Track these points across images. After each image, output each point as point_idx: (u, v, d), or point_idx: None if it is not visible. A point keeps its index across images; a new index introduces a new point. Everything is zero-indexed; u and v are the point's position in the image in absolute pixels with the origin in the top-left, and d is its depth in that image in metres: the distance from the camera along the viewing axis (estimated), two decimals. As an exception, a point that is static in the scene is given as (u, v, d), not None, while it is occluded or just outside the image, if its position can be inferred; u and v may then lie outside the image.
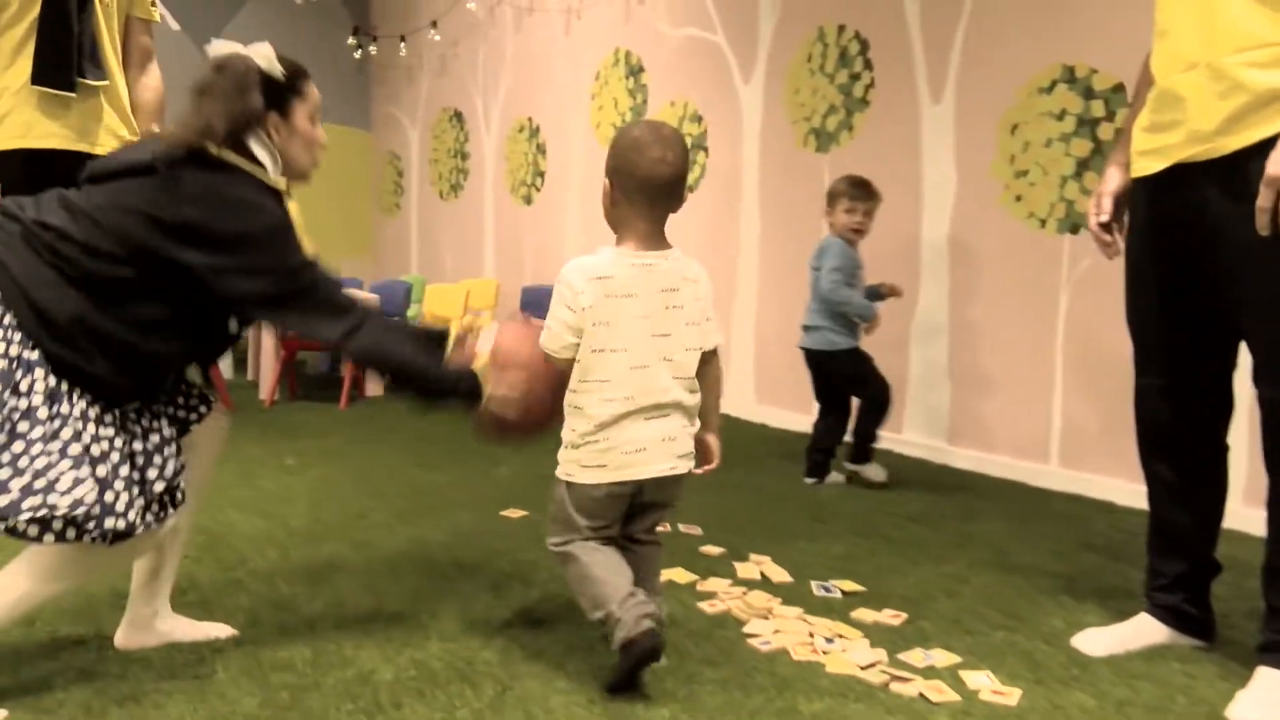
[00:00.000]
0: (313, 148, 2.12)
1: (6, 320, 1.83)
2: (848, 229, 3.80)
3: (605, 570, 1.98)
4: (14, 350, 1.82)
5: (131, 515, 1.85)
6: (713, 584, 2.64)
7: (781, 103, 5.19)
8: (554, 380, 2.06)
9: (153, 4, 3.47)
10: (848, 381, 3.91)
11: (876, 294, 3.91)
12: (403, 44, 8.82)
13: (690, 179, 5.81)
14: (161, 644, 2.18)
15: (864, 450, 3.91)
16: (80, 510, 1.76)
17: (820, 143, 4.97)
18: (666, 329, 2.02)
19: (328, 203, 9.60)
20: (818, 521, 3.34)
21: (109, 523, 1.82)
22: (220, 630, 2.25)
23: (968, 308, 4.24)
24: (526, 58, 7.39)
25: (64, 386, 1.85)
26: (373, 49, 9.39)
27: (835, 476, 3.93)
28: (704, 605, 2.48)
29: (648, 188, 2.01)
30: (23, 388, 1.81)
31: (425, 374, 2.06)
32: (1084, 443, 3.87)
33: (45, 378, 1.83)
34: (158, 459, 1.96)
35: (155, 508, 1.94)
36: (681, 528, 3.20)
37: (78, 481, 1.77)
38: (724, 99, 5.55)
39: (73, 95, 3.10)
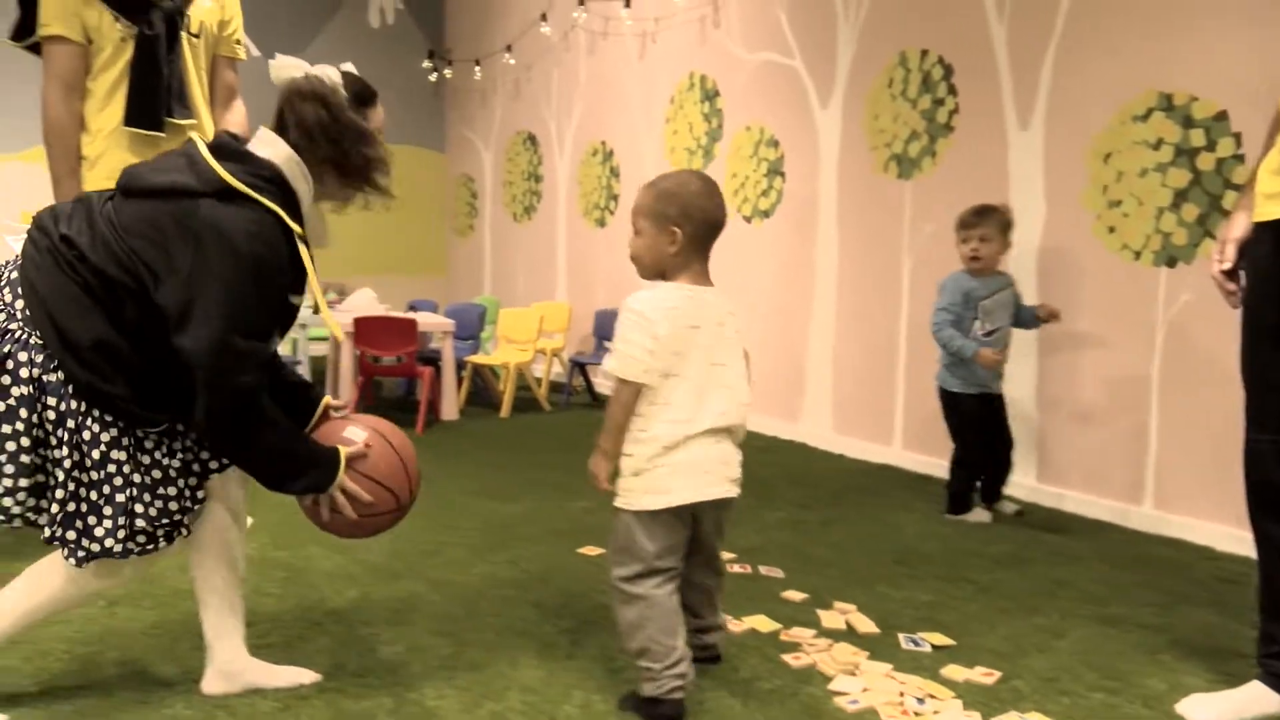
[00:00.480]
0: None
1: (32, 341, 1.87)
2: (965, 260, 3.81)
3: (663, 630, 2.08)
4: (36, 373, 1.86)
5: (109, 543, 1.90)
6: (796, 634, 2.57)
7: (861, 128, 5.11)
8: (391, 505, 2.11)
9: (238, 42, 3.54)
10: (949, 422, 3.94)
11: (1033, 317, 3.86)
12: (477, 67, 8.90)
13: (766, 204, 5.75)
14: (245, 690, 2.18)
15: (988, 492, 3.96)
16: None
17: (902, 169, 4.87)
18: (723, 359, 2.16)
19: (402, 223, 9.72)
20: (902, 565, 3.25)
21: (86, 544, 1.90)
22: (303, 676, 2.24)
23: (1058, 341, 4.11)
24: (600, 81, 7.40)
25: (82, 408, 1.88)
26: (448, 72, 9.49)
27: (979, 514, 3.87)
28: (788, 658, 2.41)
29: (711, 231, 2.18)
30: (44, 411, 1.87)
31: (287, 451, 1.97)
32: (1181, 484, 3.72)
33: (64, 400, 1.86)
34: (147, 496, 1.95)
35: (141, 539, 1.95)
36: (762, 570, 3.13)
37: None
38: (801, 124, 5.48)
39: (162, 135, 3.17)
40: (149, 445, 1.97)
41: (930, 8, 4.70)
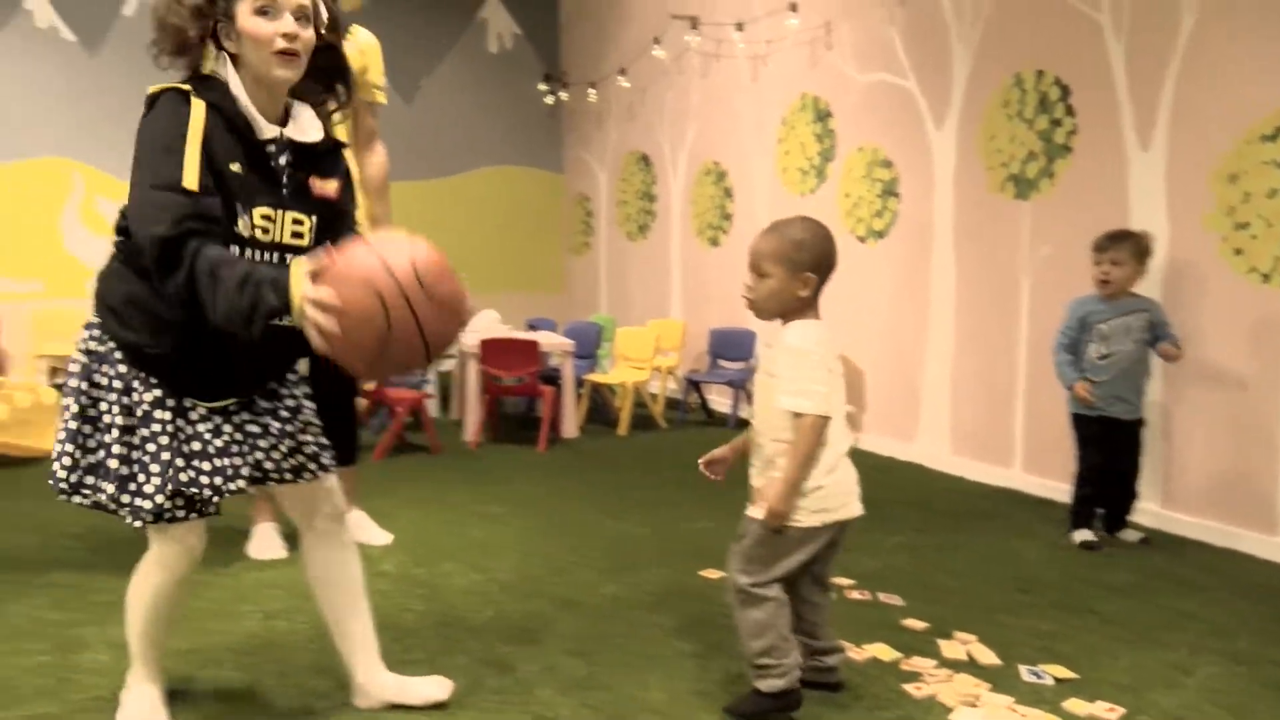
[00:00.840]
0: (261, 47, 1.96)
1: (93, 319, 2.10)
2: (1095, 282, 3.83)
3: (785, 625, 2.31)
4: (93, 345, 2.09)
5: (159, 499, 2.03)
6: (917, 663, 2.63)
7: (976, 148, 5.09)
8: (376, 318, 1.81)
9: (379, 88, 3.77)
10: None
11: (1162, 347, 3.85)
12: (592, 90, 9.11)
13: (880, 224, 5.77)
14: (389, 705, 2.35)
15: (1111, 519, 3.97)
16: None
17: (1019, 189, 4.85)
18: (840, 389, 2.37)
19: (521, 242, 10.01)
20: (1023, 593, 3.26)
21: (139, 504, 2.04)
22: (441, 690, 2.38)
23: (1184, 365, 4.04)
24: (713, 103, 7.51)
25: (129, 372, 2.05)
26: (563, 95, 9.74)
27: (1082, 534, 3.86)
28: (909, 688, 2.47)
29: (831, 274, 2.35)
30: (98, 379, 2.07)
31: (239, 280, 1.83)
32: (1315, 511, 3.62)
33: (114, 365, 2.06)
34: (180, 461, 2.03)
35: (180, 501, 2.06)
36: (881, 597, 3.19)
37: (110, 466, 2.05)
38: (915, 144, 5.49)
39: (309, 179, 3.40)
40: (193, 417, 2.07)
41: (1045, 28, 4.67)
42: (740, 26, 6.84)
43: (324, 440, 2.30)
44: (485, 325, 6.39)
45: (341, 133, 3.55)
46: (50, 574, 3.39)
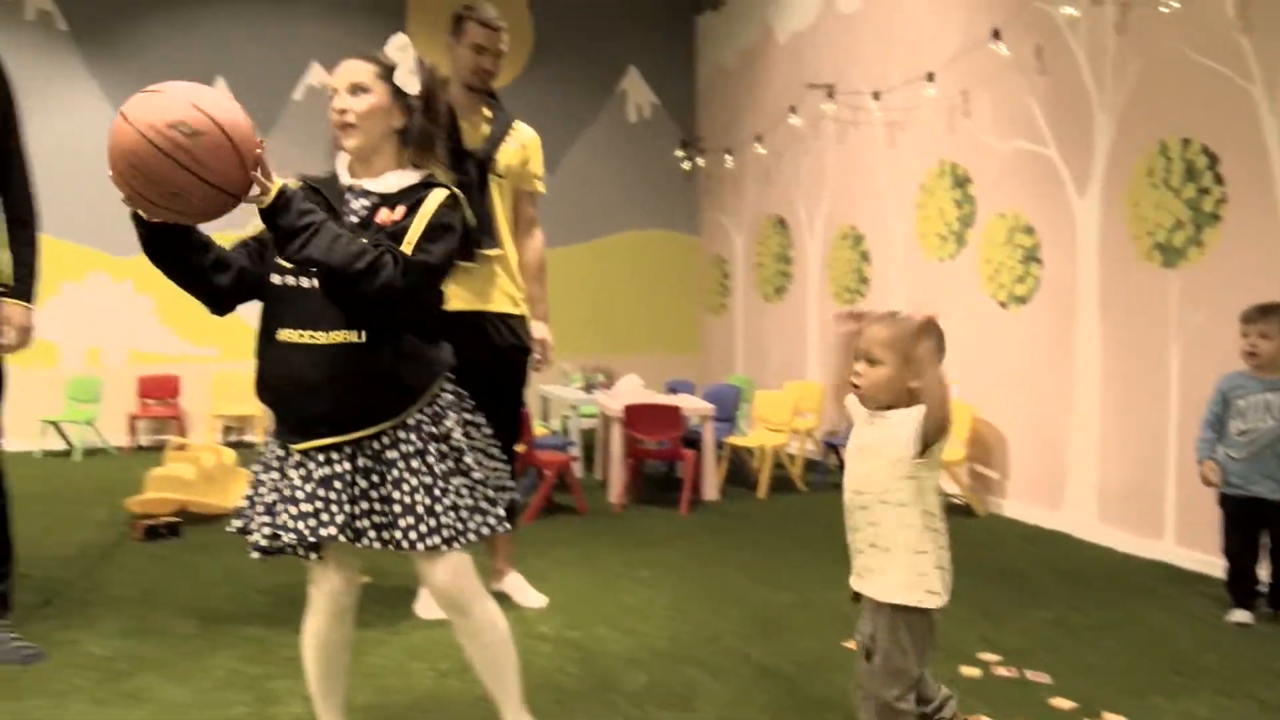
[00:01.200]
0: (332, 124, 2.30)
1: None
2: (1242, 355, 3.80)
3: None
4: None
5: (258, 538, 2.25)
6: (1067, 744, 2.65)
7: (1120, 215, 5.07)
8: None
9: (538, 178, 4.03)
10: None
11: None
12: (729, 156, 9.36)
13: (1023, 290, 5.77)
14: None
15: (1274, 597, 3.87)
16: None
17: (1166, 257, 4.80)
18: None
19: (658, 303, 10.28)
20: (1178, 674, 3.23)
21: (251, 539, 2.26)
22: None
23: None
24: (849, 168, 7.63)
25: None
26: (700, 161, 10.02)
27: (1239, 614, 3.79)
28: (1060, 769, 2.51)
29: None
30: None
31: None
32: None
33: None
34: (289, 507, 2.21)
35: (279, 543, 2.24)
36: (1028, 674, 3.20)
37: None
38: (1057, 211, 5.49)
39: (473, 265, 3.67)
40: (290, 463, 2.28)
41: (1191, 97, 4.65)
42: (877, 95, 6.97)
43: (428, 521, 2.24)
44: (629, 390, 6.62)
45: (501, 218, 3.84)
46: (243, 628, 3.70)
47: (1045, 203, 5.59)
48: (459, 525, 2.26)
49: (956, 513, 5.81)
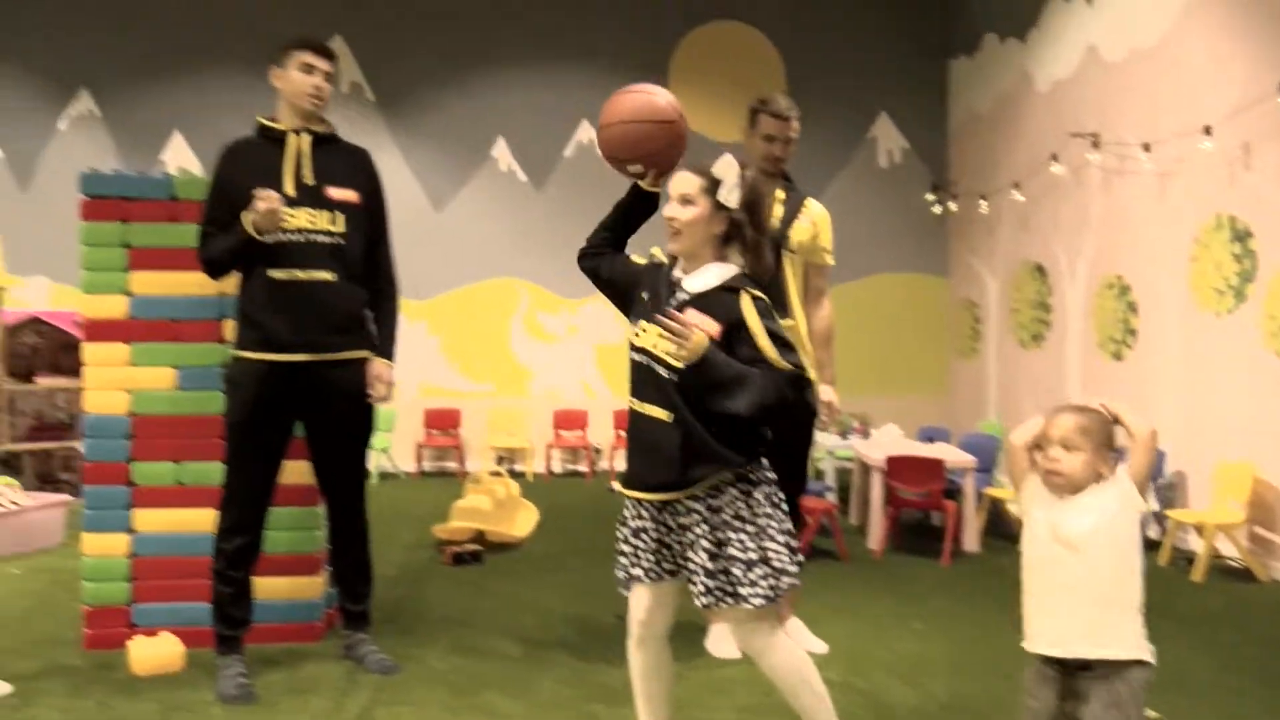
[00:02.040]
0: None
1: None
2: None
3: None
4: None
5: (617, 570, 2.78)
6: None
7: None
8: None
9: (827, 251, 4.33)
10: None
11: None
12: (983, 201, 9.36)
13: (1312, 350, 5.57)
14: None
15: None
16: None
17: None
18: None
19: (905, 345, 10.36)
20: None
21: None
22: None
23: None
24: (1115, 217, 7.51)
25: None
26: (952, 205, 10.05)
27: None
28: None
29: None
30: None
31: None
32: None
33: None
34: (622, 545, 2.71)
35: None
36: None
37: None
38: (1353, 268, 5.29)
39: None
40: (629, 511, 2.75)
41: None
42: (1148, 147, 6.86)
43: (720, 583, 2.59)
44: (890, 440, 6.80)
45: (793, 290, 4.16)
46: (552, 653, 4.17)
47: (1339, 260, 5.39)
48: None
49: (1236, 577, 5.64)
